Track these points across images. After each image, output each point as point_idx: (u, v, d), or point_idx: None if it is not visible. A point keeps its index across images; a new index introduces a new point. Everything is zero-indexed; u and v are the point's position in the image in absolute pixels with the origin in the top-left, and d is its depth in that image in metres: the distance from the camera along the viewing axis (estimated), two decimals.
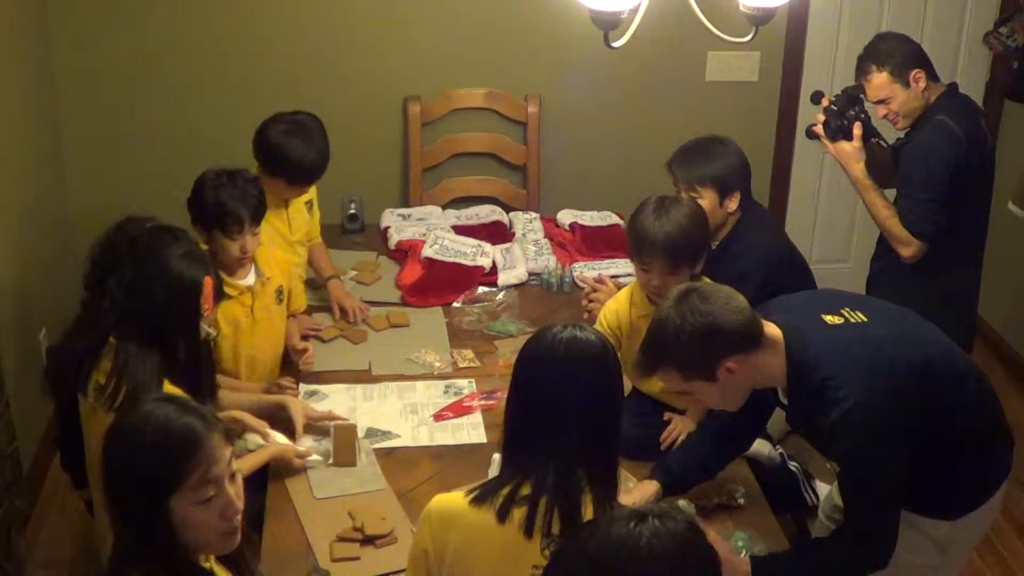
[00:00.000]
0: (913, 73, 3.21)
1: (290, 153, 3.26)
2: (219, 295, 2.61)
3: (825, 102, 3.31)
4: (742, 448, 2.73)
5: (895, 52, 3.23)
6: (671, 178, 3.19)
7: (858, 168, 3.27)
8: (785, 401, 2.37)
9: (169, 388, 2.44)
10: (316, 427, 2.89)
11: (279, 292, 3.19)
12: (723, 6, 2.46)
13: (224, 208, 2.95)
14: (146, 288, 2.47)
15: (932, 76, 3.26)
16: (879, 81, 3.23)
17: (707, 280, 2.72)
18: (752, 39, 2.47)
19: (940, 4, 4.48)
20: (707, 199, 3.06)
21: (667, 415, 2.88)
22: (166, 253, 2.50)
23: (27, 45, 4.04)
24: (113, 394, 2.41)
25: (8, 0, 3.78)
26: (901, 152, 3.28)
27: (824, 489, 3.01)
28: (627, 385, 3.00)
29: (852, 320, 2.32)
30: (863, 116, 3.26)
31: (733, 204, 3.11)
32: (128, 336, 2.45)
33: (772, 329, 2.29)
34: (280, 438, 2.77)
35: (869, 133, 3.28)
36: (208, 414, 1.79)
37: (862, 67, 3.27)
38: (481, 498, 1.98)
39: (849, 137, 3.26)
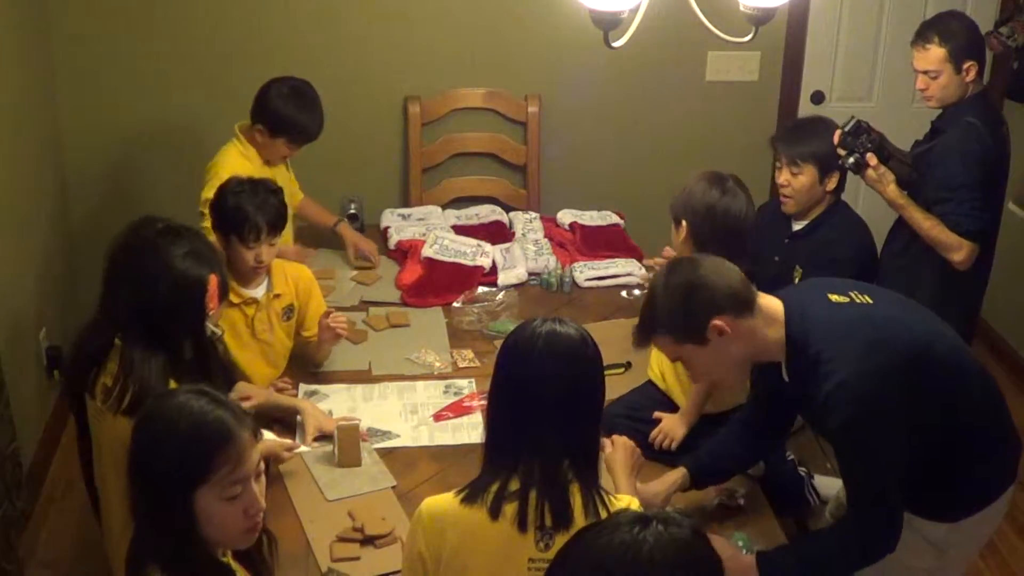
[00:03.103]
0: (968, 64, 3.23)
1: (297, 115, 3.51)
2: (224, 293, 2.60)
3: (837, 138, 3.31)
4: (770, 445, 2.70)
5: (961, 35, 3.24)
6: (773, 154, 3.39)
7: (890, 190, 3.28)
8: (787, 379, 2.37)
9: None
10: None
11: (288, 310, 3.17)
12: (723, 6, 2.45)
13: (242, 214, 2.96)
14: (150, 287, 2.45)
15: (979, 72, 3.28)
16: (935, 55, 3.23)
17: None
18: (752, 39, 2.47)
19: (940, 4, 4.47)
20: (807, 175, 3.24)
21: (656, 414, 2.88)
22: (170, 252, 2.47)
23: (27, 45, 4.04)
24: (120, 396, 2.39)
25: (8, 0, 3.79)
26: (928, 157, 3.29)
27: (824, 485, 3.01)
28: (629, 384, 3.04)
29: (857, 301, 2.32)
30: (870, 145, 3.26)
31: (832, 183, 3.26)
32: (134, 337, 2.43)
33: (773, 302, 2.30)
34: (267, 434, 2.77)
35: (885, 156, 3.29)
36: (239, 411, 1.78)
37: (924, 35, 3.27)
38: (471, 497, 1.98)
39: (868, 167, 3.29)
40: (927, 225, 3.24)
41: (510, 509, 1.95)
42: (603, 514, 1.92)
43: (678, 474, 2.57)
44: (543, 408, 1.96)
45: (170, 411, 1.73)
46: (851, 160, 3.27)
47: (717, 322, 2.23)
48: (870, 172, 3.27)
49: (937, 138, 3.31)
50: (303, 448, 2.78)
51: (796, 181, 3.25)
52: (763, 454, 2.69)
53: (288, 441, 2.77)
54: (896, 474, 2.26)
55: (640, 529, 1.41)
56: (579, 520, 1.92)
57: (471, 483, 2.01)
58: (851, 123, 3.28)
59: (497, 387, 2.04)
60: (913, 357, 2.25)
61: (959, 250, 3.21)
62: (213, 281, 2.50)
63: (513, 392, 2.00)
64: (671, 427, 2.84)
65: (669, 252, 3.12)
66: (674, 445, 2.82)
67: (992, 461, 2.44)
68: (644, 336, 2.35)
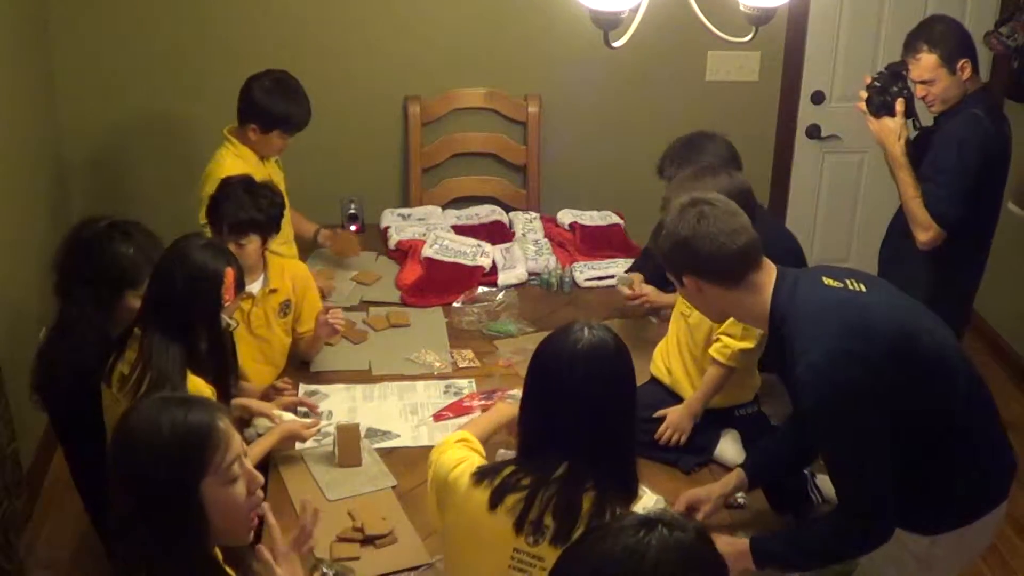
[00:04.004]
0: (961, 63, 3.23)
1: (287, 107, 3.48)
2: (240, 286, 2.66)
3: (868, 79, 3.30)
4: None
5: (949, 37, 3.25)
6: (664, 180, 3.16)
7: (899, 145, 3.27)
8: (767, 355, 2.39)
9: (193, 379, 2.49)
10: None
11: (285, 305, 3.18)
12: (723, 6, 2.46)
13: (216, 207, 3.04)
14: (168, 279, 2.52)
15: (975, 68, 3.28)
16: (927, 62, 3.24)
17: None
18: (752, 39, 2.47)
19: (940, 4, 4.48)
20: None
21: (659, 412, 2.87)
22: (187, 244, 2.56)
23: (26, 41, 4.04)
24: (137, 383, 2.45)
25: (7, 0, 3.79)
26: (931, 139, 3.30)
27: (827, 485, 3.01)
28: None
29: (850, 288, 2.31)
30: (906, 92, 3.25)
31: None
32: (152, 327, 2.50)
33: (768, 274, 2.30)
34: (287, 415, 2.84)
35: (911, 111, 3.28)
36: (207, 401, 1.81)
37: (913, 45, 3.28)
38: (481, 476, 2.04)
39: (892, 113, 3.26)
40: (911, 194, 3.24)
41: (511, 499, 1.98)
42: None
43: (735, 475, 2.59)
44: (578, 414, 1.99)
45: (146, 429, 1.69)
46: (879, 99, 3.24)
47: (688, 279, 2.30)
48: (888, 121, 3.25)
49: (944, 123, 3.31)
50: (324, 423, 2.87)
51: None
52: (812, 455, 2.65)
53: (307, 420, 2.85)
54: (878, 462, 2.22)
55: (645, 533, 1.40)
56: (581, 527, 1.93)
57: (490, 464, 2.09)
58: (893, 65, 3.26)
59: (532, 394, 2.07)
60: (894, 347, 2.22)
61: (927, 231, 3.22)
62: (230, 274, 2.57)
63: (551, 398, 2.03)
64: (678, 421, 2.82)
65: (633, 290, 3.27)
66: (683, 439, 2.80)
67: (977, 473, 2.36)
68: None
